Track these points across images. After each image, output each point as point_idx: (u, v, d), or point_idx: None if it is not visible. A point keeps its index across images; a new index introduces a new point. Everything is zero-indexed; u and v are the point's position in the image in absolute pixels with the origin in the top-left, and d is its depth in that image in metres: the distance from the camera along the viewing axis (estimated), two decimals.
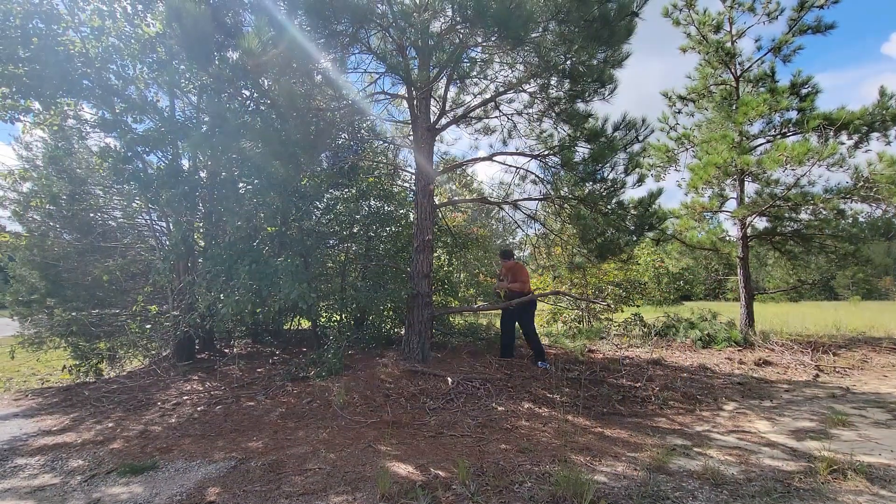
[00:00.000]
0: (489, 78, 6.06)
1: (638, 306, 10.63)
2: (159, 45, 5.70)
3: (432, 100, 5.91)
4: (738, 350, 7.34)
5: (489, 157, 6.47)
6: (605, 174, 5.75)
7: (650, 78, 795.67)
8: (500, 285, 6.37)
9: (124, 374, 6.06)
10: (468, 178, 12.26)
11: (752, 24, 8.63)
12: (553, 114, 5.89)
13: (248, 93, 5.35)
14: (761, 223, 9.02)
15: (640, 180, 5.95)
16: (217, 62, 4.67)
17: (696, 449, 3.39)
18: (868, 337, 8.49)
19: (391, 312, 6.54)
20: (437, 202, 6.20)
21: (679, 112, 9.84)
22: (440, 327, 6.88)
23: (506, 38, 4.13)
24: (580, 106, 5.69)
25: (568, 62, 5.00)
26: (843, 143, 7.62)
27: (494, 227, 22.47)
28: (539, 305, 9.70)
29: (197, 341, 6.52)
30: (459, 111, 6.42)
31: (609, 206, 5.95)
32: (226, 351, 6.72)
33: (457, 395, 4.60)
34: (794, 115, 8.37)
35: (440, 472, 2.90)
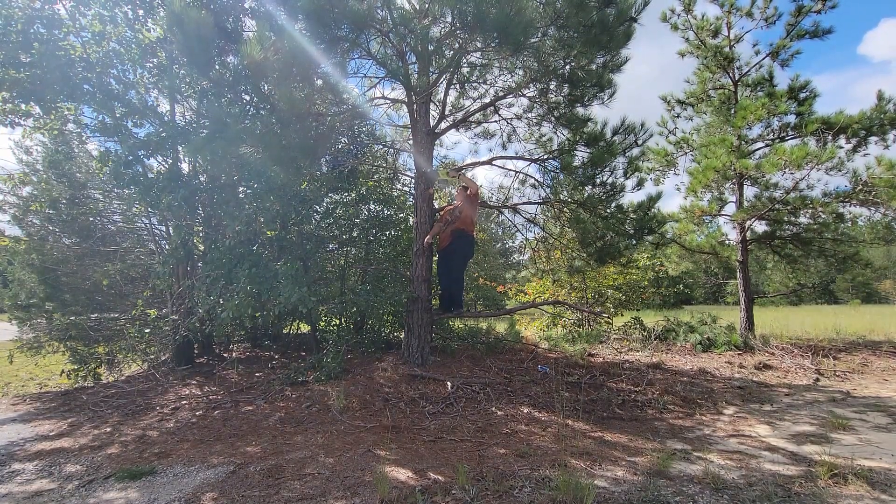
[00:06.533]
0: (489, 82, 6.09)
1: (638, 310, 10.62)
2: (160, 50, 5.72)
3: (432, 104, 5.92)
4: (738, 354, 7.33)
5: (489, 161, 6.49)
6: (605, 178, 5.76)
7: (636, 75, 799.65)
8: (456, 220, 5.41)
9: (123, 378, 6.04)
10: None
11: (749, 29, 8.68)
12: (552, 118, 5.91)
13: (248, 97, 5.36)
14: (760, 227, 9.03)
15: (640, 184, 5.96)
16: (218, 67, 4.69)
17: (696, 453, 3.38)
18: (868, 340, 8.48)
19: (390, 316, 6.52)
20: (436, 206, 6.20)
21: (678, 116, 9.87)
22: (440, 331, 6.86)
23: (505, 44, 4.14)
24: (579, 110, 5.71)
25: (567, 67, 5.02)
26: (841, 147, 7.65)
27: (494, 230, 22.52)
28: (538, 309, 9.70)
29: (196, 345, 6.50)
30: (459, 115, 6.43)
31: (608, 210, 5.95)
32: (224, 355, 6.71)
33: (456, 400, 4.58)
34: (792, 118, 8.40)
35: (439, 477, 2.89)
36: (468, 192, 5.58)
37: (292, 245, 5.78)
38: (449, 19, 4.44)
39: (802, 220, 8.41)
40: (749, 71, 8.80)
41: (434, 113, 5.97)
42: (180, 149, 5.47)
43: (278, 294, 4.82)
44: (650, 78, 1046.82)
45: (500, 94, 5.84)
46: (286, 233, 5.84)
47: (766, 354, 7.27)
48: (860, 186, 7.46)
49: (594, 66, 5.09)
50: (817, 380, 6.02)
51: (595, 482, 2.76)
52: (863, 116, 7.50)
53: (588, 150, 5.70)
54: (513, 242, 24.70)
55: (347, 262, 7.18)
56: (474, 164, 6.91)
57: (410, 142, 6.28)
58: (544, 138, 6.53)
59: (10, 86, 4.97)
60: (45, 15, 5.20)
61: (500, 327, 8.33)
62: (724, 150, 7.99)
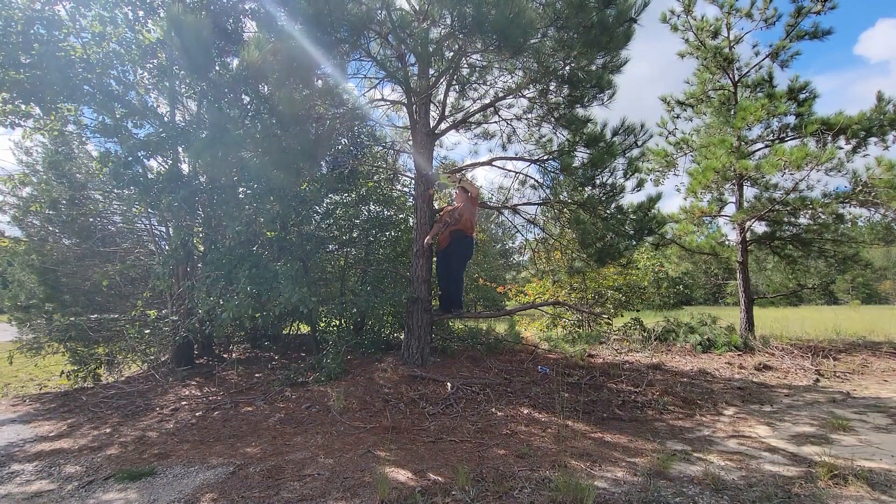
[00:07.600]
0: (488, 83, 6.08)
1: (637, 311, 10.62)
2: (160, 51, 5.72)
3: (432, 105, 5.93)
4: (738, 354, 7.33)
5: (488, 162, 6.49)
6: (604, 179, 5.76)
7: (636, 76, 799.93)
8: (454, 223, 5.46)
9: (122, 379, 6.04)
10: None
11: (749, 30, 8.69)
12: (552, 119, 5.91)
13: (248, 98, 5.37)
14: (760, 227, 9.04)
15: (639, 185, 5.96)
16: (217, 68, 4.69)
17: (696, 454, 3.38)
18: (868, 341, 8.48)
19: (390, 317, 6.52)
20: (436, 207, 6.20)
21: (678, 117, 9.88)
22: (439, 332, 6.86)
23: (505, 46, 4.14)
24: (579, 111, 5.70)
25: (567, 68, 5.03)
26: (841, 148, 7.64)
27: (494, 231, 22.52)
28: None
29: (195, 346, 6.50)
30: (459, 116, 6.44)
31: (608, 211, 5.96)
32: (224, 356, 6.70)
33: (456, 401, 4.58)
34: (792, 119, 8.40)
35: (439, 478, 2.89)
36: (469, 194, 5.60)
37: (292, 246, 5.78)
38: (448, 21, 4.44)
39: (802, 220, 8.41)
40: (749, 72, 8.80)
41: (434, 114, 5.98)
42: (180, 149, 5.47)
43: (278, 295, 4.82)
44: (650, 78, 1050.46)
45: (500, 95, 5.85)
46: (286, 233, 5.84)
47: (766, 355, 7.27)
48: (860, 187, 7.47)
49: (594, 67, 5.10)
50: (817, 380, 6.02)
51: (595, 483, 2.76)
52: (862, 117, 7.50)
53: (588, 151, 5.71)
54: (513, 243, 24.72)
55: (347, 263, 7.18)
56: (474, 165, 6.92)
57: (410, 143, 6.28)
58: (544, 139, 6.54)
59: (11, 87, 4.98)
60: (45, 16, 5.20)
61: (500, 328, 8.33)
62: (723, 151, 7.99)
